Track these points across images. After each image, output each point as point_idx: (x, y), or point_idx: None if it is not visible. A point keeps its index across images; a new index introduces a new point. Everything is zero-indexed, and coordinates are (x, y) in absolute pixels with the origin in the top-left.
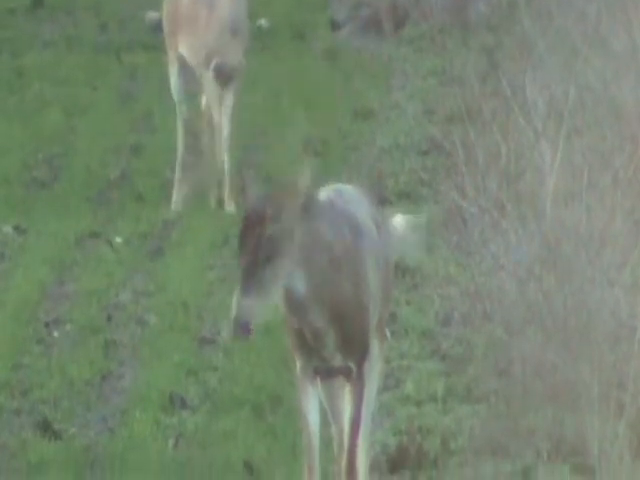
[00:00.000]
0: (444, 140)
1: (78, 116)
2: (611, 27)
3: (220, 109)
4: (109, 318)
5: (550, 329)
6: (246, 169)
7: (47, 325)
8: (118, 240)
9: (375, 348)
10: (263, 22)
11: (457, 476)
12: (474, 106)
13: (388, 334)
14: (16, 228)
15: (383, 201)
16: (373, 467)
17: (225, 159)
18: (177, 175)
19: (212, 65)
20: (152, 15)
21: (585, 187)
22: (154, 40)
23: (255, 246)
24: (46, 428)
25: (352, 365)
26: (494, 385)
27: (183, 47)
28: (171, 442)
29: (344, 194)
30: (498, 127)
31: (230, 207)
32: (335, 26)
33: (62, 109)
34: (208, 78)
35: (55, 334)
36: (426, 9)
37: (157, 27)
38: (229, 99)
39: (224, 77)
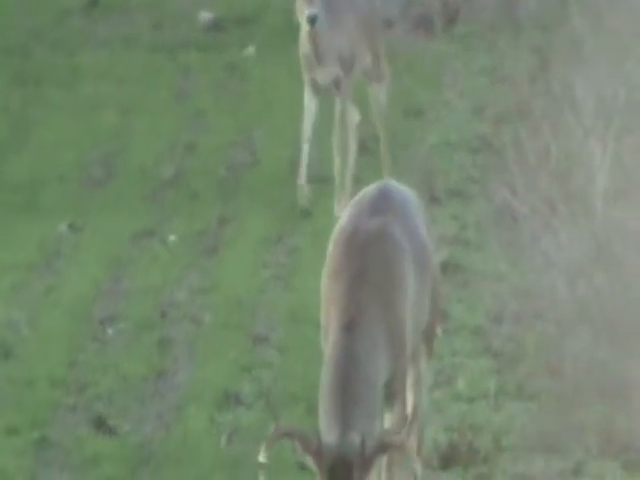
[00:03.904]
0: (494, 138)
1: (133, 115)
2: None
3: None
4: (163, 315)
5: (601, 326)
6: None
7: (102, 323)
8: (172, 238)
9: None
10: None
11: (508, 473)
12: (524, 104)
13: (440, 332)
14: (71, 226)
15: (433, 199)
16: (424, 464)
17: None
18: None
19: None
20: (205, 15)
21: (635, 185)
22: (208, 39)
23: None
24: (101, 424)
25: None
26: (545, 382)
27: None
28: (225, 439)
29: (393, 192)
30: (548, 125)
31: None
32: (386, 24)
33: (117, 108)
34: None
35: (110, 331)
36: (476, 7)
37: (211, 27)
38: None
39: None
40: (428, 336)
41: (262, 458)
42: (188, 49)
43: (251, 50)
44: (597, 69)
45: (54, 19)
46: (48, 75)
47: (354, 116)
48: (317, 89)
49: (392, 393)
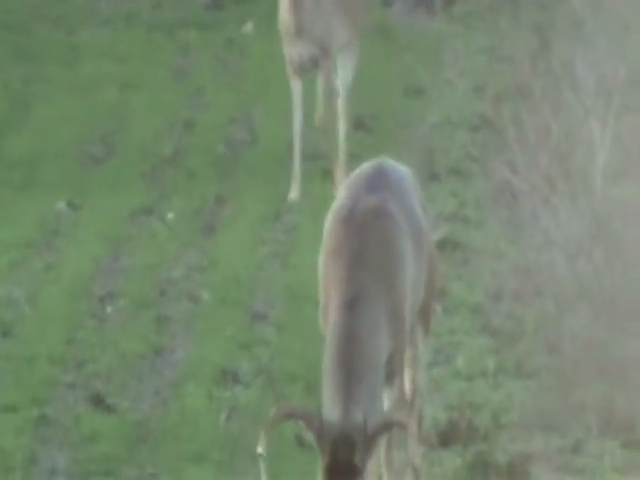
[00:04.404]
0: (494, 116)
1: (132, 92)
2: None
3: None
4: (162, 293)
5: (600, 304)
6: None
7: (101, 300)
8: (171, 216)
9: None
10: None
11: (507, 451)
12: (524, 83)
13: (438, 310)
14: (70, 204)
15: (433, 177)
16: (424, 442)
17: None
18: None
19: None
20: None
21: (635, 163)
22: (207, 17)
23: None
24: (99, 402)
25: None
26: (544, 361)
27: None
28: (223, 416)
29: (389, 171)
30: (548, 104)
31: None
32: (387, 3)
33: (117, 85)
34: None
35: (108, 309)
36: None
37: (209, 5)
38: (320, 86)
39: (298, 71)
40: (425, 314)
41: (261, 447)
42: (187, 27)
43: (249, 27)
44: (597, 47)
45: None
46: (48, 52)
47: (338, 92)
48: (296, 67)
49: (391, 371)
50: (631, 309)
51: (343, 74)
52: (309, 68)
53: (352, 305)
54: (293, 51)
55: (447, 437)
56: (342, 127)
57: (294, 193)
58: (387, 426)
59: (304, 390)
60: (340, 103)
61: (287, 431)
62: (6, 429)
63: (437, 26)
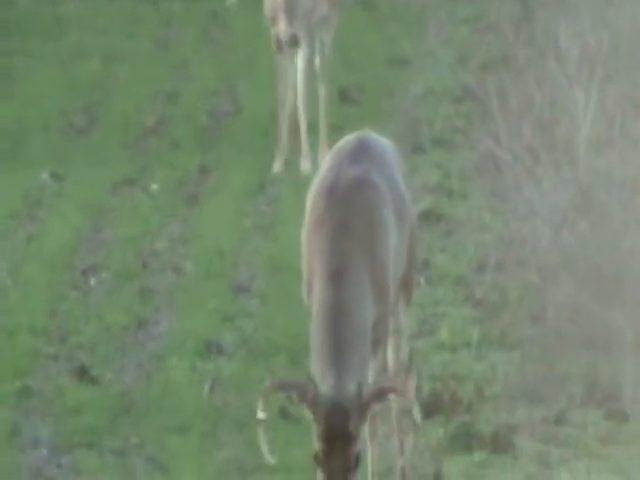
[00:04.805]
0: (478, 87)
1: (115, 64)
2: None
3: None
4: (145, 265)
5: (584, 275)
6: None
7: (84, 272)
8: (154, 187)
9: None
10: None
11: (491, 422)
12: (508, 53)
13: (422, 281)
14: (53, 175)
15: (417, 148)
16: (407, 412)
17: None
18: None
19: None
20: None
21: (619, 133)
22: None
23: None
24: (83, 374)
25: None
26: (528, 331)
27: None
28: (207, 387)
29: (372, 143)
30: (532, 74)
31: (306, 167)
32: None
33: (100, 57)
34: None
35: (92, 281)
36: None
37: None
38: (300, 62)
39: (281, 48)
40: (406, 286)
41: (261, 414)
42: None
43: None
44: (581, 17)
45: None
46: (32, 25)
47: (316, 64)
48: (282, 43)
49: (375, 340)
50: (615, 279)
51: (322, 47)
52: (293, 43)
53: (338, 276)
54: (279, 28)
55: (430, 408)
56: (323, 100)
57: (278, 166)
58: (382, 393)
59: (288, 361)
60: (320, 76)
61: (272, 403)
62: None
63: None
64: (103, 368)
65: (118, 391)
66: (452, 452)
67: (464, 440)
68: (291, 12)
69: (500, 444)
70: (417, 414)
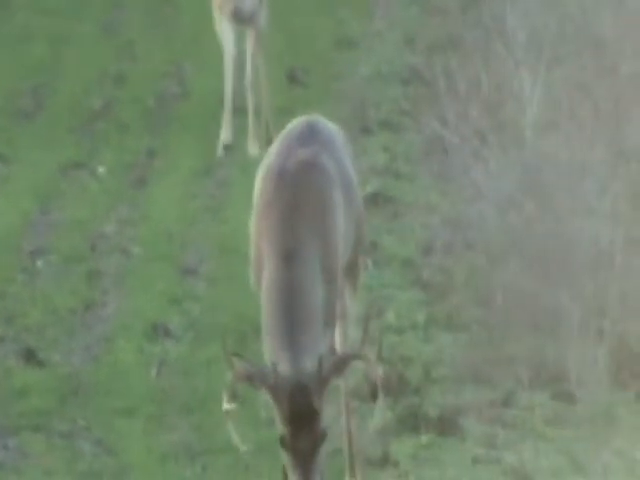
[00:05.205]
0: (425, 69)
1: (62, 46)
2: None
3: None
4: (93, 248)
5: (531, 257)
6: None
7: (31, 254)
8: (101, 170)
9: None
10: None
11: (438, 404)
12: (455, 35)
13: (369, 264)
14: (0, 159)
15: (365, 130)
16: (354, 394)
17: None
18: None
19: (228, 10)
20: None
21: (565, 116)
22: None
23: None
24: (30, 356)
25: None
26: (475, 313)
27: None
28: (154, 370)
29: (320, 126)
30: (479, 56)
31: (253, 150)
32: None
33: (46, 40)
34: (224, 22)
35: (39, 263)
36: None
37: None
38: (250, 42)
39: (239, 21)
40: (352, 269)
41: (227, 405)
42: None
43: None
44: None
45: None
46: None
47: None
48: (233, 20)
49: (325, 322)
50: (561, 261)
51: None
52: (245, 21)
53: (289, 257)
54: (230, 4)
55: (378, 390)
56: (266, 80)
57: (221, 149)
58: (341, 364)
59: (236, 342)
60: (262, 56)
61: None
62: None
63: None
64: (50, 350)
65: (65, 373)
66: (400, 434)
67: (412, 422)
68: None
69: (447, 426)
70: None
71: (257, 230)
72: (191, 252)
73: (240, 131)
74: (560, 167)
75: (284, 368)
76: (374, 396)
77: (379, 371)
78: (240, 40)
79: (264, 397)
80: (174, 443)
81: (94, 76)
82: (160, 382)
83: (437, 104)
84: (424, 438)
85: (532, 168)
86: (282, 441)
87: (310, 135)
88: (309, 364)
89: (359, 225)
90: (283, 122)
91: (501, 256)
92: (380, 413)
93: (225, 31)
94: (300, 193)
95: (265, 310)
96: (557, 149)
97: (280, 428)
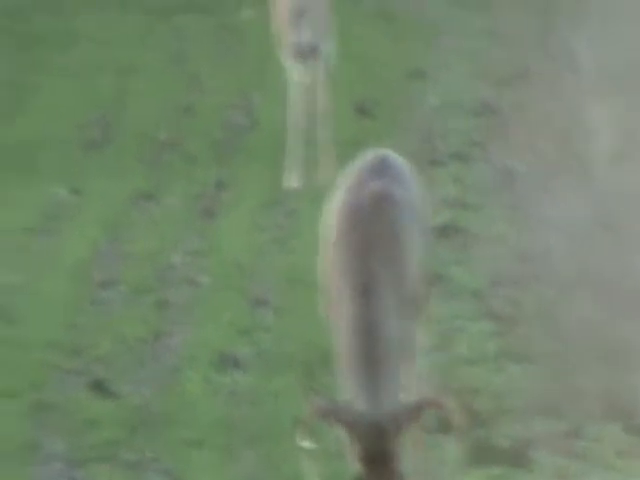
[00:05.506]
0: (495, 100)
1: (130, 77)
2: None
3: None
4: (161, 278)
5: (601, 289)
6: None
7: (100, 285)
8: (170, 201)
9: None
10: None
11: (508, 436)
12: (525, 66)
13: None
14: (70, 189)
15: (434, 162)
16: (424, 427)
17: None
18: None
19: (287, 46)
20: None
21: (636, 147)
22: (203, 1)
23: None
24: (99, 387)
25: None
26: (545, 345)
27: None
28: (223, 401)
29: (390, 159)
30: (549, 87)
31: (322, 181)
32: None
33: (114, 70)
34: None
35: (108, 294)
36: None
37: None
38: (318, 74)
39: (300, 56)
40: (419, 301)
41: (305, 443)
42: (184, 11)
43: (249, 12)
44: (599, 30)
45: None
46: (47, 39)
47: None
48: (295, 53)
49: (402, 357)
50: (632, 292)
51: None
52: (308, 53)
53: (365, 292)
54: (292, 36)
55: (447, 422)
56: (331, 112)
57: (293, 181)
58: (419, 409)
59: (303, 374)
60: (329, 88)
61: (288, 418)
62: (5, 415)
63: (433, 9)
64: (119, 381)
65: (134, 404)
66: (469, 466)
67: (481, 454)
68: (307, 20)
69: (518, 458)
70: (460, 422)
71: (331, 263)
72: (259, 282)
73: (308, 161)
74: (630, 199)
75: (361, 406)
76: (453, 431)
77: (457, 415)
78: (308, 71)
79: (337, 432)
80: (242, 474)
81: (162, 107)
82: (229, 413)
83: (507, 135)
84: (494, 470)
85: (602, 200)
86: None
87: (381, 168)
88: (388, 404)
89: (424, 257)
90: (352, 154)
91: (571, 288)
92: (455, 449)
93: (289, 66)
94: (374, 227)
95: (341, 346)
96: (627, 179)
97: (357, 467)
